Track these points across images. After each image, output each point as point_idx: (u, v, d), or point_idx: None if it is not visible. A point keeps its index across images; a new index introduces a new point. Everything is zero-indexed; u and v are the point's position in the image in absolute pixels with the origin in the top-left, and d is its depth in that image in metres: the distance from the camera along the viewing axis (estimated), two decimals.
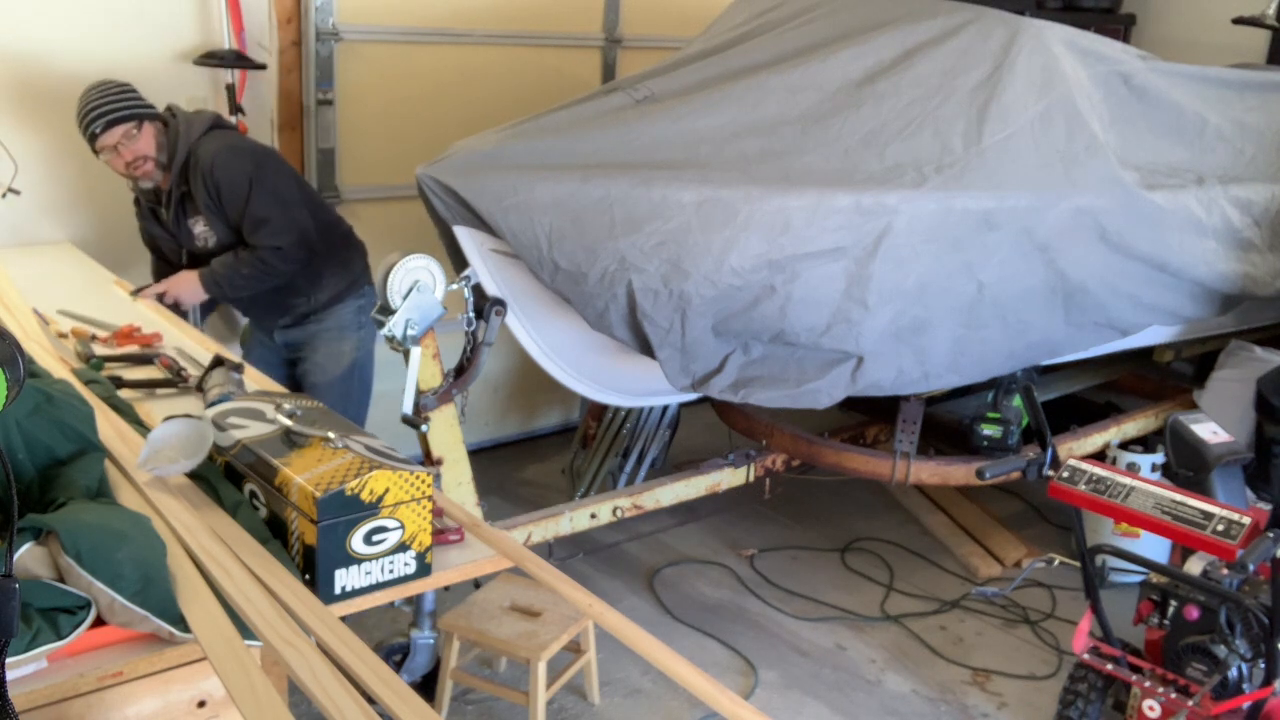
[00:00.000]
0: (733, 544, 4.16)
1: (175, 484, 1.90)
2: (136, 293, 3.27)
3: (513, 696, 2.95)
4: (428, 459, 2.97)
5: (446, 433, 2.95)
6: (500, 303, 2.89)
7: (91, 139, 3.17)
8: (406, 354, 2.75)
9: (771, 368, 3.12)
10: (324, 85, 4.00)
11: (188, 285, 3.27)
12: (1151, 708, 2.71)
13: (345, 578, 1.74)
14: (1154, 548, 3.66)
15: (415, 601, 3.06)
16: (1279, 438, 3.63)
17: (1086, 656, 2.77)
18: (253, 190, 3.18)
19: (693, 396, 3.30)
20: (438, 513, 1.94)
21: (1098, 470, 2.71)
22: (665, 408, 4.15)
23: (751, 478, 3.68)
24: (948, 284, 3.19)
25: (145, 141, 3.19)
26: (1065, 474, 2.73)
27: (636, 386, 3.37)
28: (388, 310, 2.71)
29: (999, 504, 4.55)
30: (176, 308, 3.30)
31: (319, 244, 3.33)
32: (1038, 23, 3.49)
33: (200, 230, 3.28)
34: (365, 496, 1.73)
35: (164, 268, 3.51)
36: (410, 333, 2.72)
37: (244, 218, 3.20)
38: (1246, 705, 2.58)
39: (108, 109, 3.13)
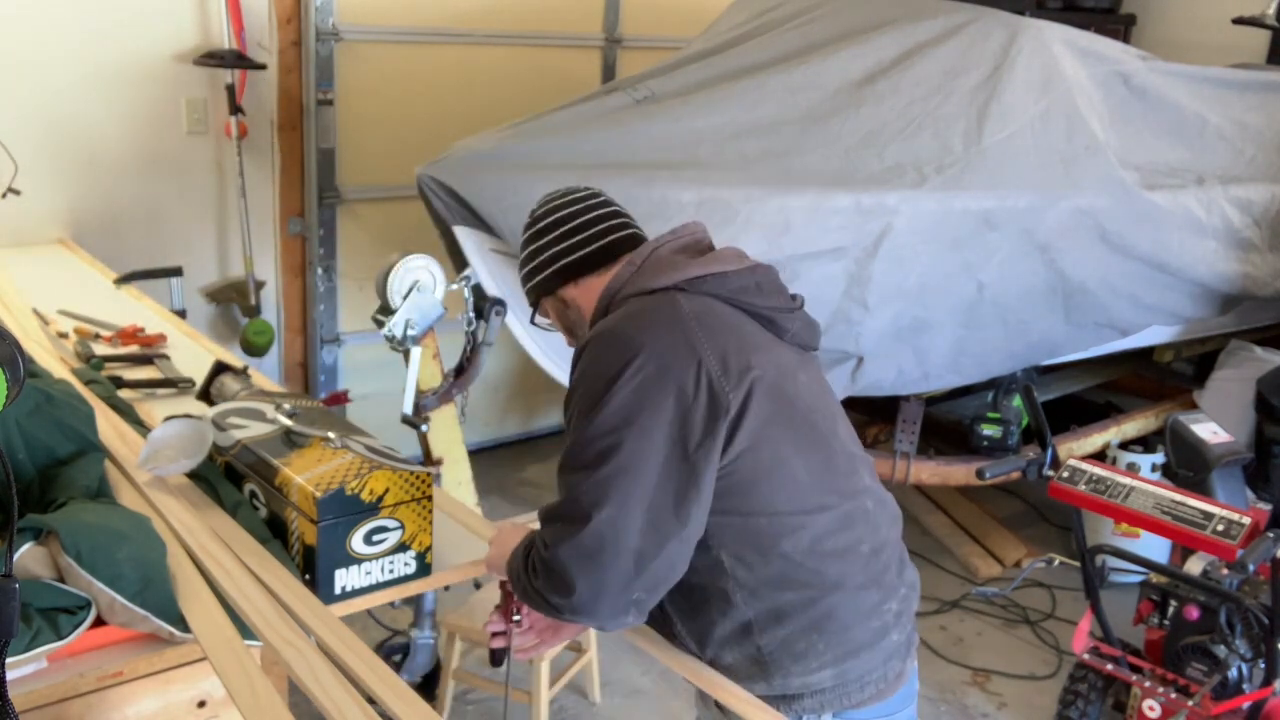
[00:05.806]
0: None
1: (175, 484, 1.90)
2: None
3: (514, 696, 2.95)
4: (428, 459, 2.97)
5: (446, 433, 2.95)
6: (500, 303, 2.88)
7: None
8: (406, 354, 2.75)
9: None
10: (324, 85, 4.00)
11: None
12: (1151, 708, 2.71)
13: (345, 578, 1.74)
14: (1154, 548, 3.66)
15: (415, 601, 3.05)
16: (1279, 438, 3.63)
17: (1086, 656, 2.77)
18: None
19: None
20: (506, 615, 1.75)
21: (1098, 470, 2.71)
22: None
23: None
24: (948, 284, 3.18)
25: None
26: (1065, 474, 2.72)
27: None
28: (388, 310, 2.71)
29: (999, 504, 4.54)
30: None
31: None
32: (1038, 23, 3.49)
33: None
34: (365, 496, 1.73)
35: None
36: (410, 333, 2.72)
37: None
38: (1246, 705, 2.58)
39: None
